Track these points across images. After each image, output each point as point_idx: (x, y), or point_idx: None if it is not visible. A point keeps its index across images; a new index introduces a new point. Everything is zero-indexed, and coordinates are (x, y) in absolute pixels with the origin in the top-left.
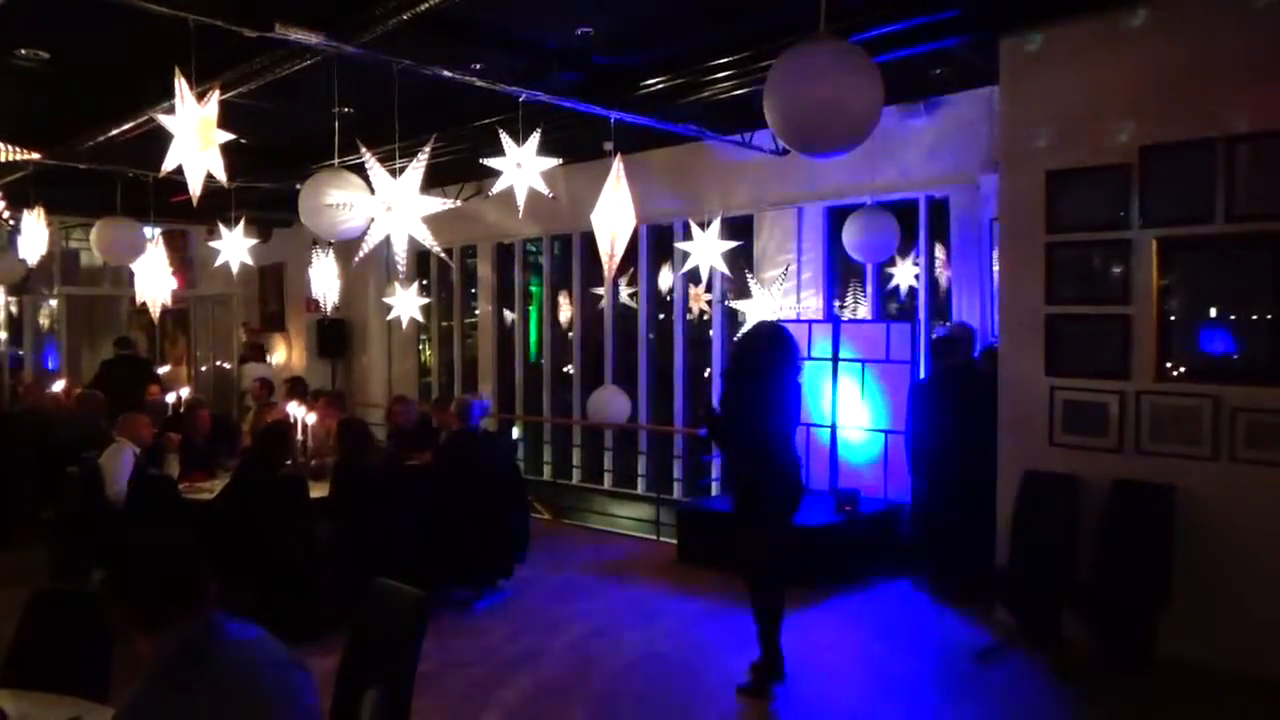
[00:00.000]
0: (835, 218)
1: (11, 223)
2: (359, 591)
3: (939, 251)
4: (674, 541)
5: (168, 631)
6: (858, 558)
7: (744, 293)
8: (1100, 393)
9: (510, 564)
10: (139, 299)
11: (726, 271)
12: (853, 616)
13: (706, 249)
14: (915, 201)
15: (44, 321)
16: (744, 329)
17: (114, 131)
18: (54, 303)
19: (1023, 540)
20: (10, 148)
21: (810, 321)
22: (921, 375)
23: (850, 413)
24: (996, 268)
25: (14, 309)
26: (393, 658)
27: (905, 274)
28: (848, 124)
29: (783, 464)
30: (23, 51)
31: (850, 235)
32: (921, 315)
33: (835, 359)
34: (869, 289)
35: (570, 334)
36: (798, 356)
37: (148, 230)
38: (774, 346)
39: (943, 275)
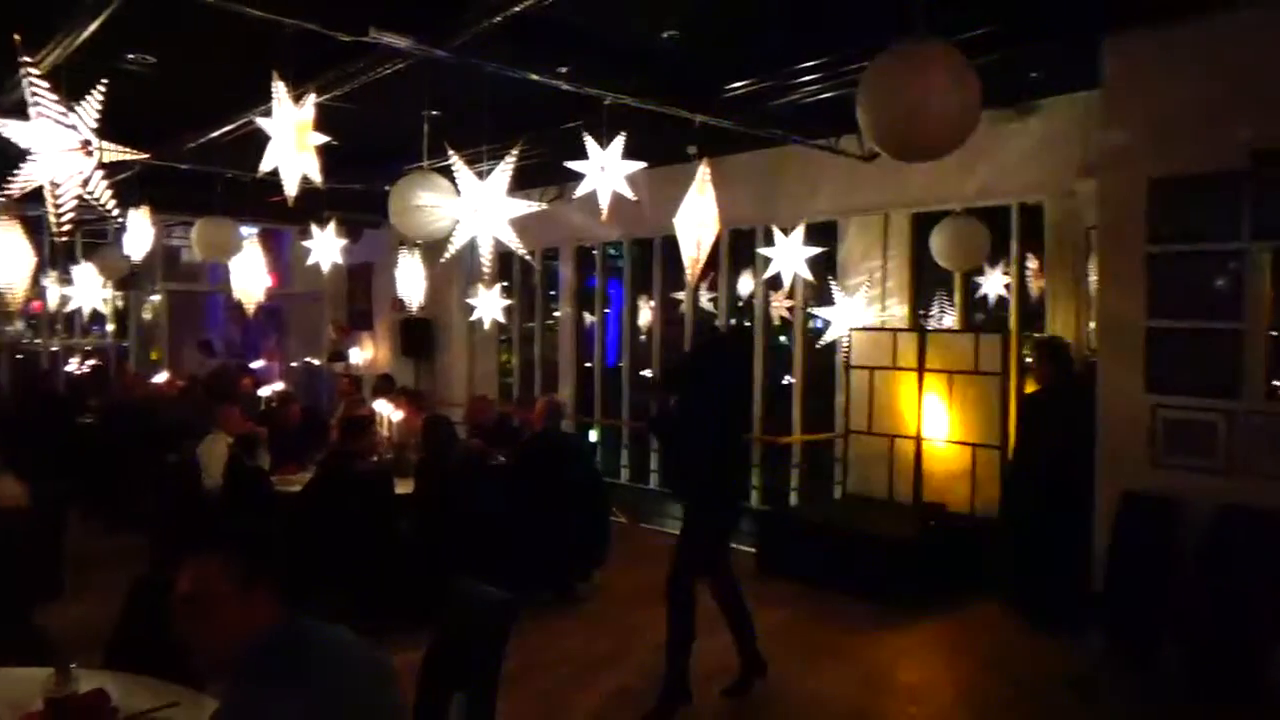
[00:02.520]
0: (922, 224)
1: (120, 220)
2: (443, 589)
3: (1030, 261)
4: (752, 550)
5: (251, 625)
6: (942, 575)
7: (826, 300)
8: (1207, 411)
9: (590, 566)
10: (235, 296)
11: (809, 278)
12: (937, 636)
13: (789, 255)
14: (1007, 209)
15: (147, 315)
16: (698, 334)
17: (214, 133)
18: (156, 297)
19: (1120, 563)
20: (120, 148)
21: (895, 330)
22: (1029, 388)
23: (935, 424)
24: (1093, 279)
25: (120, 303)
26: (479, 659)
27: (994, 283)
28: (945, 129)
29: (725, 480)
30: (131, 56)
31: (938, 243)
32: (1012, 326)
33: (921, 369)
34: (956, 298)
35: (646, 338)
36: (747, 368)
37: (244, 229)
38: (728, 356)
39: (1034, 285)
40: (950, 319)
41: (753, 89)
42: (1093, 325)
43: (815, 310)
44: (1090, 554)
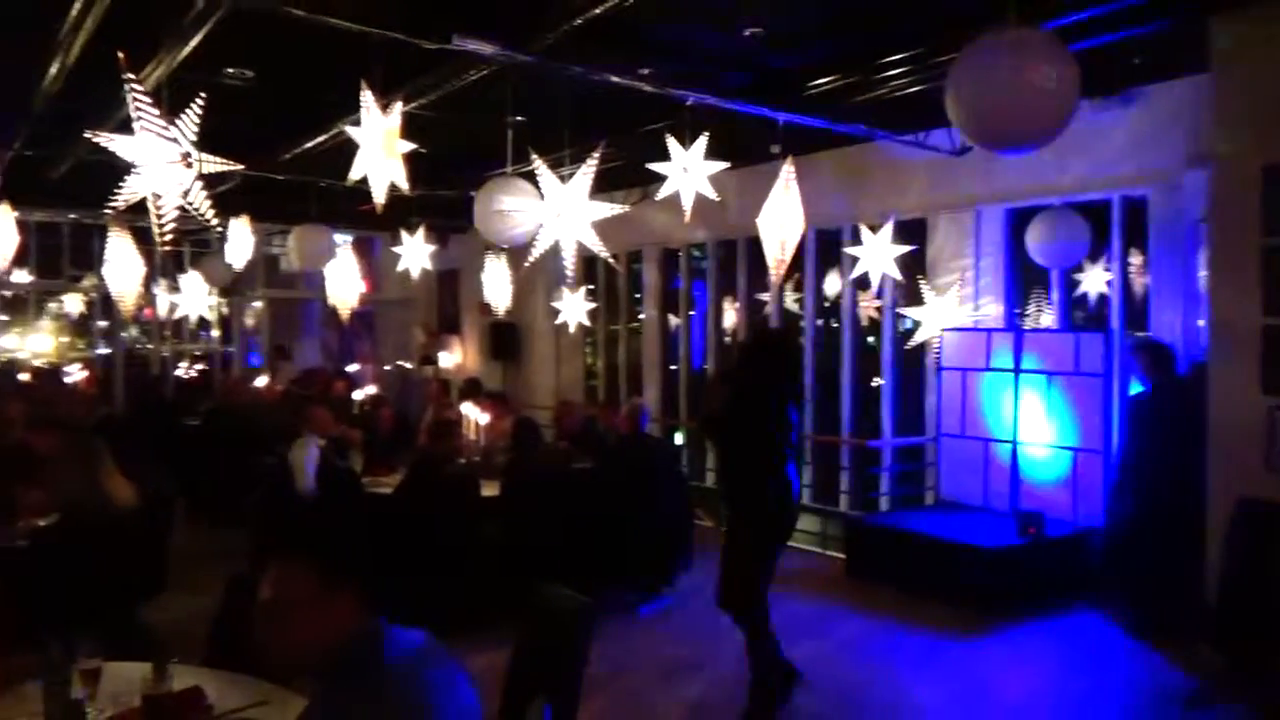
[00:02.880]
0: (1017, 220)
1: (220, 229)
2: (526, 592)
3: (1134, 256)
4: (841, 555)
5: (332, 629)
6: (1042, 584)
7: (916, 299)
8: None
9: (674, 570)
10: (330, 302)
11: (898, 277)
12: (1037, 649)
13: (877, 254)
14: (1108, 202)
15: (249, 321)
16: (749, 334)
17: (309, 144)
18: (258, 304)
19: (1235, 574)
20: (218, 159)
21: (989, 330)
22: (1135, 389)
23: (1034, 428)
24: (1203, 274)
25: (224, 310)
26: (560, 664)
27: (1095, 280)
28: (1041, 118)
29: (777, 487)
30: (230, 71)
31: (1034, 238)
32: (1115, 325)
33: (1017, 370)
34: (1054, 296)
35: (732, 339)
36: (797, 369)
37: (339, 237)
38: (779, 356)
39: (1138, 282)
40: (1048, 318)
41: (837, 85)
42: (1202, 323)
43: (904, 310)
44: (1202, 563)
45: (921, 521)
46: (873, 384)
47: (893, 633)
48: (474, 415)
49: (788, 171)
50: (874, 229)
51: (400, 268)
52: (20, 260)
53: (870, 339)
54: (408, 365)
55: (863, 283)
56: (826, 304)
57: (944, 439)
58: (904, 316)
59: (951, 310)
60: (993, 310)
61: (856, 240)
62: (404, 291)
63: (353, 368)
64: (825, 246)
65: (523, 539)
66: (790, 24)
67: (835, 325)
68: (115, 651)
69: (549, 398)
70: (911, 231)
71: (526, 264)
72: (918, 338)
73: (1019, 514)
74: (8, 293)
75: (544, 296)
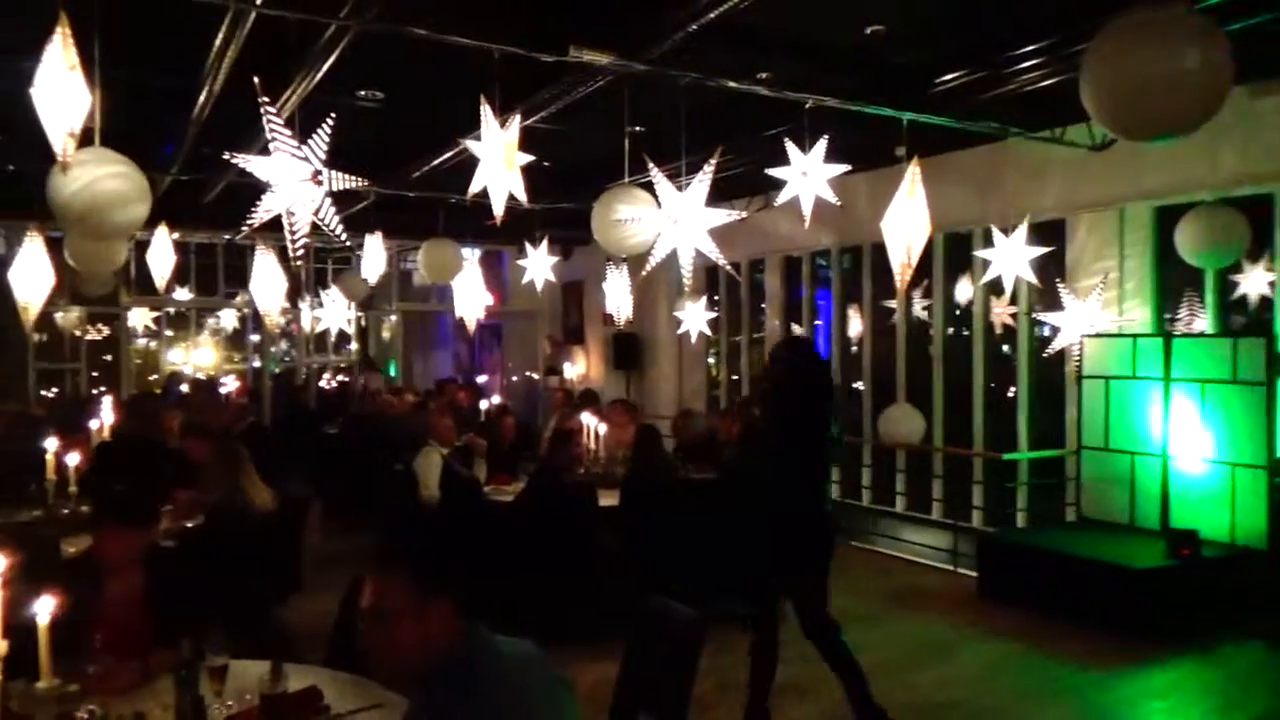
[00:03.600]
0: (1165, 218)
1: (352, 245)
2: (637, 605)
3: None
4: (973, 574)
5: (432, 639)
6: (1197, 610)
7: (1054, 304)
8: None
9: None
10: (457, 314)
11: (1034, 281)
12: (1189, 680)
13: (1010, 257)
14: (1268, 197)
15: (385, 334)
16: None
17: (436, 161)
18: (393, 318)
19: None
20: (347, 176)
21: (1135, 336)
22: None
23: (1186, 440)
24: None
25: (362, 323)
26: (668, 679)
27: (1256, 281)
28: (1187, 102)
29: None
30: (362, 93)
31: (1185, 237)
32: (1279, 329)
33: (1166, 378)
34: (1208, 298)
35: (858, 348)
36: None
37: (466, 251)
38: (803, 368)
39: None
40: (1201, 322)
41: (965, 80)
42: None
43: (1041, 316)
44: None
45: (1062, 540)
46: (1008, 394)
47: (1030, 660)
48: (594, 424)
49: (913, 173)
50: (1007, 232)
51: (525, 280)
52: (181, 279)
53: (1005, 347)
54: (533, 375)
55: (996, 288)
56: (957, 311)
57: (1085, 452)
58: (1041, 323)
59: (1093, 315)
60: (1139, 315)
61: (988, 244)
62: (530, 303)
63: (481, 378)
64: (955, 251)
65: (639, 549)
66: (915, 20)
67: (966, 333)
68: (247, 649)
69: (671, 408)
70: (1048, 233)
71: (644, 273)
72: (1056, 345)
73: (1170, 533)
74: (171, 309)
75: (666, 307)
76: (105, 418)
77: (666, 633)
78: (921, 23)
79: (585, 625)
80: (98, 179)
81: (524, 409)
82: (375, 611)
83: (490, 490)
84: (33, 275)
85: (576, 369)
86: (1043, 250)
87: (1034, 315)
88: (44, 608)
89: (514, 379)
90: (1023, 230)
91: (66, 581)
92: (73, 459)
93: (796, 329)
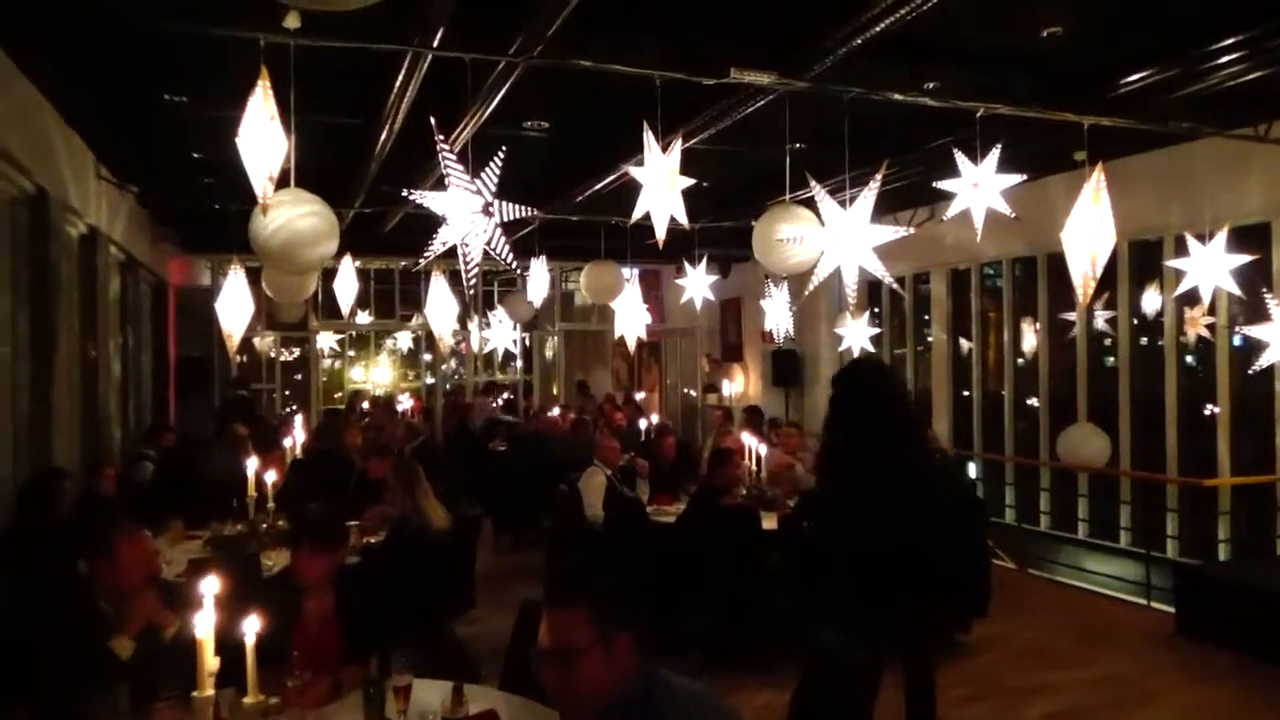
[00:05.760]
0: None
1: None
2: (812, 641)
3: None
4: (1169, 609)
5: (612, 678)
6: None
7: (1259, 316)
8: None
9: (968, 616)
10: (618, 334)
11: (1236, 291)
12: None
13: (1208, 266)
14: None
15: (549, 354)
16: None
17: (598, 185)
18: (555, 337)
19: None
20: (516, 206)
21: None
22: None
23: None
24: None
25: (527, 343)
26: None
27: None
28: None
29: None
30: (528, 123)
31: None
32: None
33: None
34: None
35: (1026, 363)
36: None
37: (626, 271)
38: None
39: None
40: None
41: (1153, 80)
42: None
43: (1246, 329)
44: None
45: (1274, 575)
46: (1204, 412)
47: (1234, 708)
48: (753, 444)
49: (1097, 179)
50: (1203, 239)
51: (684, 300)
52: (362, 303)
53: (1188, 358)
54: (692, 393)
55: (1191, 298)
56: (1137, 321)
57: None
58: (1245, 336)
59: None
60: None
61: (1180, 251)
62: (688, 320)
63: (639, 395)
64: (1141, 259)
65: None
66: (1097, 19)
67: (1156, 344)
68: (427, 666)
69: None
70: (1251, 239)
71: (806, 293)
72: (1264, 360)
73: None
74: (353, 332)
75: (826, 323)
76: (298, 436)
77: (840, 671)
78: (1103, 22)
79: (752, 650)
80: (294, 218)
81: (682, 427)
82: (556, 650)
83: (653, 511)
84: (236, 305)
85: (735, 386)
86: (1246, 259)
87: (1237, 328)
88: (251, 627)
89: (672, 396)
90: (1222, 237)
91: (267, 599)
92: (270, 476)
93: (965, 344)
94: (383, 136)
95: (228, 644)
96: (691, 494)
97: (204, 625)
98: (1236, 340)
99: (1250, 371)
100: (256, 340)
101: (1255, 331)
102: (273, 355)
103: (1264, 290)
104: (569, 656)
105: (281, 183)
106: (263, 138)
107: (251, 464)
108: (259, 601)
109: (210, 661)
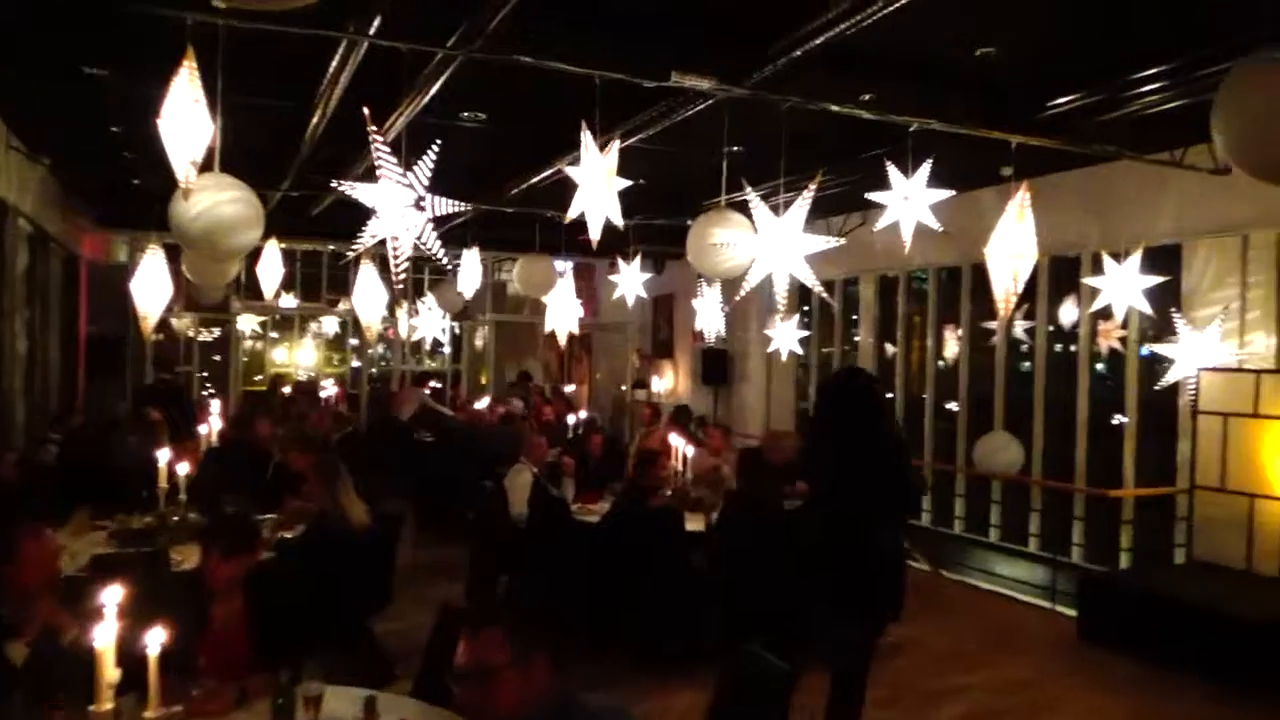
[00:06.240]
0: None
1: (450, 264)
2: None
3: None
4: (1072, 613)
5: (528, 697)
6: None
7: (1168, 334)
8: None
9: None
10: (548, 328)
11: (1147, 310)
12: None
13: (1122, 286)
14: None
15: (479, 343)
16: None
17: (535, 179)
18: (486, 327)
19: None
20: (448, 201)
21: (1259, 371)
22: None
23: None
24: None
25: (457, 330)
26: None
27: None
28: None
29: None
30: (466, 114)
31: None
32: None
33: None
34: None
35: (948, 367)
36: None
37: (560, 264)
38: (850, 404)
39: None
40: None
41: (1080, 104)
42: None
43: (1155, 347)
44: None
45: (1172, 584)
46: (1113, 421)
47: (1132, 712)
48: (680, 445)
49: (1022, 198)
50: (1119, 257)
51: (616, 296)
52: (287, 285)
53: (1099, 365)
54: (622, 388)
55: (1104, 313)
56: (1053, 328)
57: (1199, 492)
58: (1154, 355)
59: (1211, 347)
60: (1263, 348)
61: (1097, 268)
62: (620, 315)
63: (569, 388)
64: (1061, 273)
65: (730, 580)
66: (1030, 42)
67: (1070, 350)
68: (343, 666)
69: (759, 423)
70: (1163, 259)
71: (738, 298)
72: (1170, 377)
73: None
74: (278, 315)
75: (757, 323)
76: (214, 423)
77: (755, 685)
78: (1036, 46)
79: (675, 651)
80: (217, 204)
81: (611, 422)
82: (473, 670)
83: (577, 509)
84: (153, 286)
85: (665, 383)
86: (1158, 280)
87: (1147, 346)
88: (154, 639)
89: (602, 391)
90: (1136, 258)
91: (174, 602)
92: (183, 468)
93: (889, 348)
94: (315, 120)
95: (130, 650)
96: (617, 493)
97: (104, 637)
98: (1145, 351)
99: (1156, 388)
100: (174, 320)
101: (1162, 349)
102: (191, 334)
103: (1173, 310)
104: (487, 676)
105: (206, 166)
106: (186, 121)
107: (164, 454)
108: (164, 604)
109: (110, 674)
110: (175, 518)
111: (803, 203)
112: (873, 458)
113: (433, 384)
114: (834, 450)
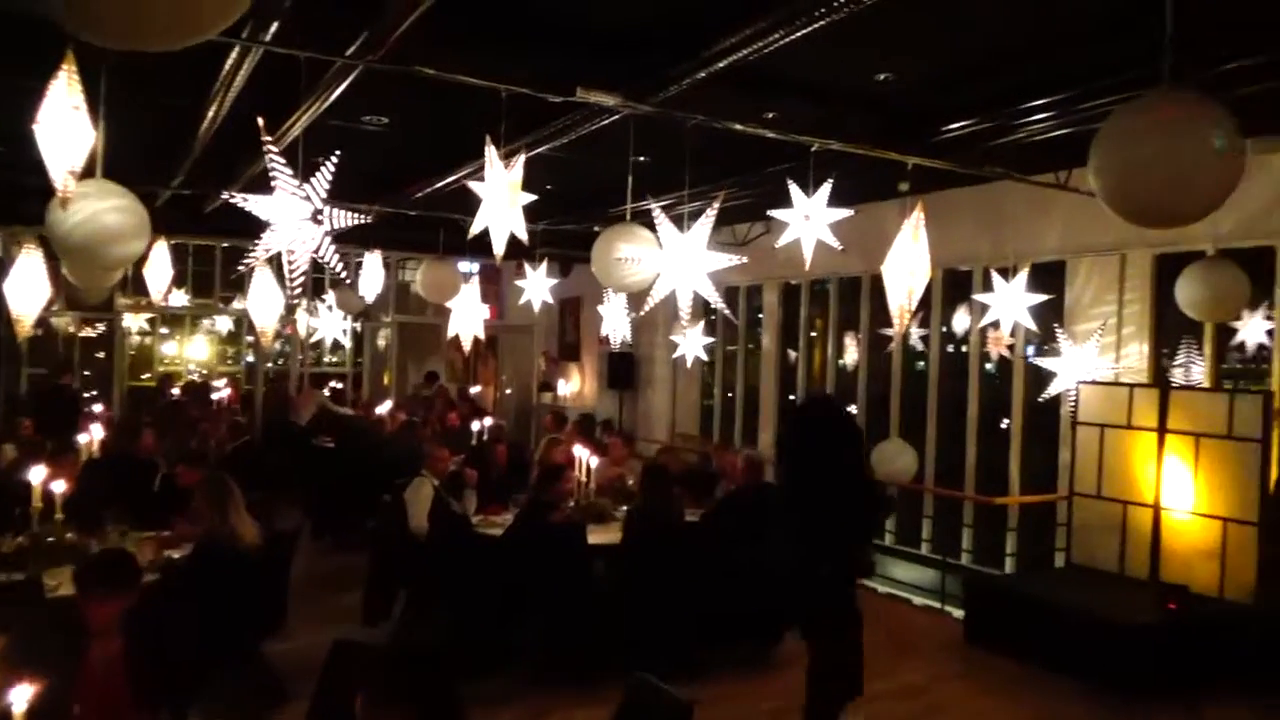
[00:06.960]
0: (1166, 266)
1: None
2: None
3: None
4: (959, 614)
5: None
6: (1183, 667)
7: (1051, 348)
8: None
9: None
10: (451, 332)
11: (1032, 327)
12: None
13: (1009, 301)
14: (1269, 250)
15: (381, 343)
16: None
17: (439, 184)
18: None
19: None
20: (348, 211)
21: (1131, 385)
22: None
23: (1178, 493)
24: None
25: (359, 330)
26: None
27: (1255, 330)
28: (1201, 193)
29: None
30: (367, 118)
31: (1186, 291)
32: (1276, 385)
33: (1161, 429)
34: (1206, 349)
35: (847, 372)
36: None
37: (465, 266)
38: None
39: None
40: (1199, 371)
41: (972, 129)
42: None
43: (1038, 360)
44: None
45: (1050, 588)
46: (1001, 426)
47: (1014, 713)
48: (584, 456)
49: (916, 218)
50: (1007, 274)
51: (522, 300)
52: (179, 282)
53: (991, 368)
54: (531, 388)
55: (994, 324)
56: (946, 329)
57: (1077, 498)
58: (1037, 365)
59: (1090, 361)
60: (1137, 362)
61: (987, 283)
62: (527, 318)
63: (474, 389)
64: (954, 284)
65: (634, 592)
66: (926, 69)
67: (962, 353)
68: (230, 697)
69: (665, 428)
70: (1049, 275)
71: (643, 311)
72: (1052, 390)
73: (1159, 586)
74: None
75: (663, 329)
76: (95, 432)
77: (652, 713)
78: (932, 74)
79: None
80: (98, 213)
81: (517, 426)
82: None
83: (480, 522)
84: (29, 287)
85: (571, 386)
86: (1042, 297)
87: (1031, 360)
88: (20, 697)
89: (508, 392)
90: (1023, 276)
91: (45, 646)
92: (58, 486)
93: (791, 353)
94: (209, 120)
95: None
96: (520, 505)
97: None
98: (1030, 353)
99: (1040, 400)
100: (53, 318)
101: (1045, 363)
102: (72, 331)
103: (1055, 324)
104: None
105: (89, 171)
106: (65, 128)
107: (38, 471)
108: (34, 649)
109: None
110: (49, 538)
111: (706, 219)
112: (836, 483)
113: (333, 384)
114: (796, 475)
